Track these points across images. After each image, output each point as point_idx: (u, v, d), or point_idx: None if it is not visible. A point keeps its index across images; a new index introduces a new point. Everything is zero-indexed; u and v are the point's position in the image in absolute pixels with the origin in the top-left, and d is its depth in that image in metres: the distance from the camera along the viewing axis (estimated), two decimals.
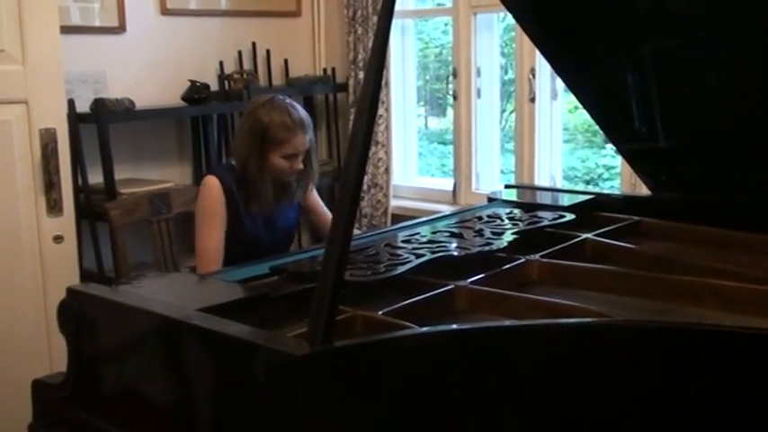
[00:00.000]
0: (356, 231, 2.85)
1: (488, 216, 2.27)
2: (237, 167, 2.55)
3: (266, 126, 2.47)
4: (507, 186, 2.84)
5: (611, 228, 2.19)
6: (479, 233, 2.07)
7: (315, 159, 2.63)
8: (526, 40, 2.73)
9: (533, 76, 3.54)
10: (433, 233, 2.10)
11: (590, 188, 3.85)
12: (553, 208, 2.36)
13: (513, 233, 2.07)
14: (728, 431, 1.34)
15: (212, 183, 2.52)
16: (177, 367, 1.49)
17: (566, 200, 2.53)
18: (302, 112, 2.53)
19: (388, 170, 3.96)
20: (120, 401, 1.60)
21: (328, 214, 2.71)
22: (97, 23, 3.47)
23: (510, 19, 3.39)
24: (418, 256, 1.84)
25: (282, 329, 1.52)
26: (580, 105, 2.44)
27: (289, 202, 2.64)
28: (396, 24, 3.98)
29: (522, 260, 1.89)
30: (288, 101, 2.55)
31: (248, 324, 1.40)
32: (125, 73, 3.55)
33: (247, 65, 3.95)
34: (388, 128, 3.92)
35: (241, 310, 1.53)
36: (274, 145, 2.48)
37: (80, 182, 3.19)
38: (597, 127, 2.50)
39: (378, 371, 1.33)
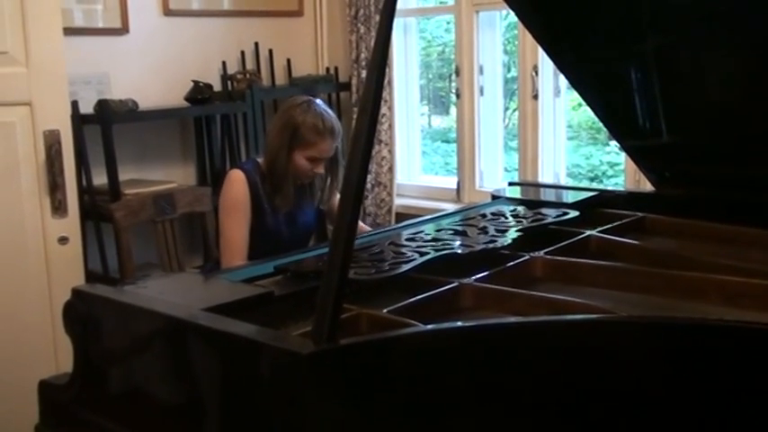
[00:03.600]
0: (366, 228, 2.88)
1: (492, 214, 2.27)
2: (265, 162, 2.61)
3: (298, 125, 2.53)
4: (511, 184, 2.84)
5: (615, 224, 2.19)
6: (483, 231, 2.07)
7: (341, 167, 2.66)
8: (528, 37, 2.73)
9: (536, 73, 3.54)
10: (438, 231, 2.10)
11: (594, 185, 3.85)
12: (557, 205, 2.36)
13: (517, 230, 2.07)
14: (734, 427, 1.34)
15: (238, 177, 2.57)
16: (183, 367, 1.49)
17: (570, 197, 2.52)
18: (335, 120, 2.60)
19: (391, 169, 3.96)
20: (126, 402, 1.60)
21: None
22: (100, 25, 3.48)
23: (512, 16, 3.39)
24: (422, 254, 1.84)
25: (287, 328, 1.52)
26: (583, 102, 2.44)
27: (309, 203, 2.70)
28: (398, 23, 3.98)
29: (527, 257, 1.89)
30: (323, 106, 2.62)
31: (253, 323, 1.41)
32: (128, 74, 3.56)
33: (250, 65, 3.96)
34: (391, 127, 3.92)
35: (246, 309, 1.53)
36: (301, 145, 2.54)
37: (84, 183, 3.20)
38: (601, 124, 2.50)
39: (383, 369, 1.33)
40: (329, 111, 2.62)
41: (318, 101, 2.64)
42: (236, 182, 2.56)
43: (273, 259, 1.94)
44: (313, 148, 2.55)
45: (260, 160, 2.66)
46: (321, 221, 2.86)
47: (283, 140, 2.55)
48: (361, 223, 2.95)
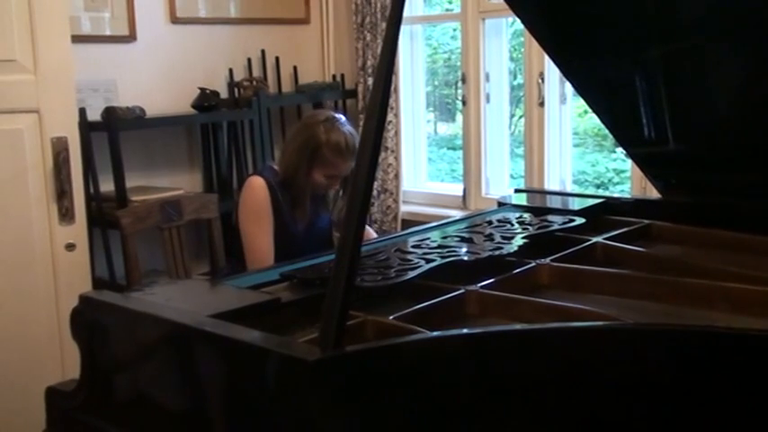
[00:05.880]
0: (372, 233, 2.89)
1: (498, 221, 2.27)
2: (281, 173, 2.61)
3: (321, 144, 2.53)
4: (517, 191, 2.84)
5: (621, 231, 2.19)
6: (489, 238, 2.07)
7: None
8: (535, 44, 2.73)
9: (542, 80, 3.54)
10: (444, 238, 2.10)
11: (600, 192, 3.84)
12: (563, 212, 2.36)
13: (523, 237, 2.07)
14: None
15: (258, 183, 2.57)
16: (189, 374, 1.50)
17: (576, 204, 2.53)
18: (357, 139, 2.58)
19: (397, 176, 3.96)
20: (132, 408, 1.61)
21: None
22: (108, 32, 3.49)
23: (518, 24, 3.40)
24: (428, 261, 1.84)
25: (294, 335, 1.52)
26: (589, 109, 2.44)
27: (326, 210, 2.73)
28: (404, 30, 3.98)
29: (533, 264, 1.89)
30: (348, 125, 2.61)
31: (260, 330, 1.41)
32: (136, 81, 3.57)
33: (257, 72, 3.97)
34: (397, 133, 3.93)
35: (252, 315, 1.53)
36: (322, 163, 2.55)
37: (92, 190, 3.21)
38: (607, 131, 2.50)
39: (389, 375, 1.33)
40: (352, 130, 2.60)
41: (342, 118, 2.63)
42: (259, 188, 2.56)
43: (280, 266, 1.94)
44: (333, 168, 2.55)
45: (275, 167, 2.66)
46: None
47: (303, 157, 2.54)
48: (367, 227, 2.96)
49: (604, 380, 1.37)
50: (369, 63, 3.94)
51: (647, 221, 2.28)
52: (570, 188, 3.67)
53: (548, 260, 1.91)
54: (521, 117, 3.93)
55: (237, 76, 3.89)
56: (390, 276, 1.74)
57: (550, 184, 3.60)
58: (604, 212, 2.40)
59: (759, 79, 1.98)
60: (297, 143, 2.58)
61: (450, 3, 4.27)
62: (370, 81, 3.91)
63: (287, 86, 4.10)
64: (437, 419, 1.34)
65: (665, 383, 1.36)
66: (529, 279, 1.86)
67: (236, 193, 3.52)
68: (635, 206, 2.44)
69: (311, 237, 2.64)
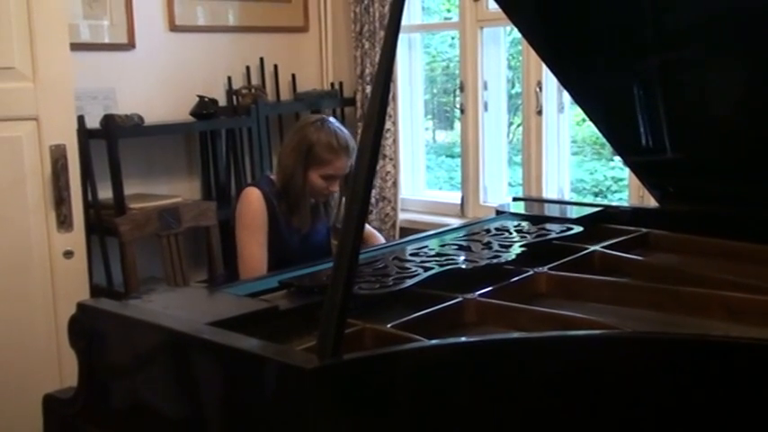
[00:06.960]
0: (379, 237, 2.89)
1: (496, 229, 2.27)
2: (279, 181, 2.61)
3: (312, 143, 2.54)
4: (515, 199, 2.84)
5: (619, 240, 2.20)
6: (487, 246, 2.07)
7: None
8: (533, 53, 2.74)
9: (540, 89, 3.55)
10: (442, 246, 2.11)
11: (598, 200, 3.85)
12: (561, 220, 2.36)
13: (521, 246, 2.07)
14: None
15: (254, 194, 2.57)
16: (187, 381, 1.50)
17: (574, 212, 2.53)
18: (349, 138, 2.61)
19: (395, 183, 3.97)
20: (130, 416, 1.61)
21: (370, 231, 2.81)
22: (107, 40, 3.50)
23: (516, 33, 3.40)
24: (426, 269, 1.84)
25: (292, 343, 1.53)
26: (587, 118, 2.44)
27: (323, 222, 2.72)
28: (403, 38, 3.99)
29: (531, 273, 1.89)
30: (337, 124, 2.63)
31: (258, 338, 1.41)
32: (134, 89, 3.57)
33: (255, 80, 3.98)
34: (395, 141, 3.93)
35: (250, 323, 1.53)
36: (316, 163, 2.55)
37: (90, 197, 3.21)
38: (605, 139, 2.51)
39: (387, 384, 1.33)
40: (343, 128, 2.63)
41: (332, 119, 2.65)
42: (255, 200, 2.56)
43: (278, 274, 1.95)
44: (328, 166, 2.55)
45: (273, 177, 2.66)
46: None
47: (298, 159, 2.55)
48: (374, 231, 2.96)
49: (603, 388, 1.37)
50: (367, 71, 3.94)
51: (644, 230, 2.28)
52: (568, 196, 3.67)
53: (545, 268, 1.91)
54: (519, 125, 3.94)
55: (236, 84, 3.90)
56: (388, 284, 1.74)
57: (548, 192, 3.61)
58: (602, 221, 2.41)
59: (756, 88, 1.99)
60: (290, 147, 2.60)
61: (449, 11, 4.28)
62: (369, 89, 3.91)
63: (285, 94, 4.11)
64: (435, 428, 1.34)
65: (664, 392, 1.36)
66: (527, 287, 1.86)
67: (235, 201, 3.53)
68: (633, 215, 2.44)
69: (306, 249, 2.63)
